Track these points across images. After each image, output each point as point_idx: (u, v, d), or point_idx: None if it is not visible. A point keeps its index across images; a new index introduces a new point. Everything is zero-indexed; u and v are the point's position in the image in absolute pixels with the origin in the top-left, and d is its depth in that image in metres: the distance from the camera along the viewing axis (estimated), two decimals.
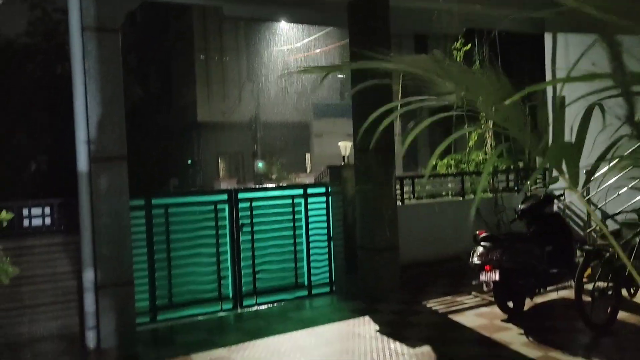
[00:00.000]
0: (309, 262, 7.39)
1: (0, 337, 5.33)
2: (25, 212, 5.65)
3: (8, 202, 5.51)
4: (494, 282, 5.63)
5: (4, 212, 1.78)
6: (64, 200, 5.78)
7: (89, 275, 5.46)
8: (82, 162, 5.38)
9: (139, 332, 5.83)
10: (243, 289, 6.91)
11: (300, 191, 7.49)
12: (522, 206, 6.48)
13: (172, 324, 6.25)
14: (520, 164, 10.10)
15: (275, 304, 6.94)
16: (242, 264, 6.91)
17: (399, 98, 7.78)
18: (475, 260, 5.78)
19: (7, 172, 5.84)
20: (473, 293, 6.82)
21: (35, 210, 5.71)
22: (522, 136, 1.79)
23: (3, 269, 1.81)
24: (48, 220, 5.76)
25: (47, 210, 5.75)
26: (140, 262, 6.16)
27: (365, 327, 5.82)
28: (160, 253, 6.38)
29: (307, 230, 7.40)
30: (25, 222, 5.62)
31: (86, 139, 5.38)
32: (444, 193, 8.75)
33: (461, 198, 8.60)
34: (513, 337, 5.26)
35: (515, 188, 9.12)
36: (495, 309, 6.02)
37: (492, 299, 6.17)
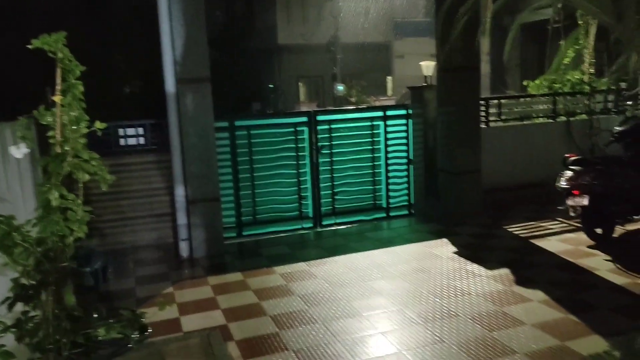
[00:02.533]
0: (387, 184, 7.42)
1: (105, 245, 5.91)
2: (121, 132, 6.05)
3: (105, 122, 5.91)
4: (582, 207, 5.38)
5: (97, 122, 1.93)
6: (155, 121, 6.12)
7: (180, 191, 5.84)
8: (170, 84, 5.61)
9: (227, 245, 6.24)
10: (322, 209, 7.11)
11: (380, 113, 7.40)
12: (619, 128, 6.03)
13: (256, 239, 6.61)
14: (623, 85, 9.27)
15: (353, 225, 7.10)
16: (321, 185, 7.07)
17: (488, 15, 7.27)
18: (563, 184, 5.52)
19: (102, 94, 6.21)
20: (558, 219, 6.59)
21: (130, 131, 6.10)
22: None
23: (102, 177, 1.99)
24: (142, 140, 6.15)
25: (141, 130, 6.12)
26: (226, 181, 6.48)
27: (443, 248, 5.85)
28: (244, 173, 6.66)
29: (387, 153, 7.37)
30: (122, 142, 6.03)
31: (172, 61, 5.57)
32: (534, 115, 8.27)
33: (552, 120, 8.11)
34: (599, 263, 5.08)
35: (615, 110, 8.43)
36: (581, 235, 5.80)
37: (579, 225, 5.94)
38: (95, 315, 3.01)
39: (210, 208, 5.92)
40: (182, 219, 5.89)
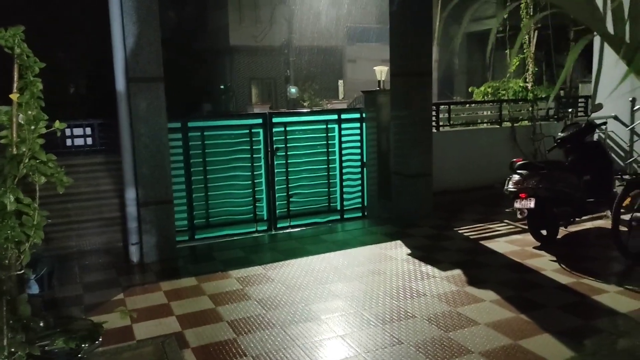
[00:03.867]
0: (341, 187, 7.47)
1: (51, 250, 5.64)
2: (67, 132, 5.80)
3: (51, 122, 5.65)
4: (529, 209, 5.60)
5: (57, 122, 1.83)
6: (104, 120, 5.90)
7: (130, 194, 5.66)
8: (120, 82, 5.42)
9: (179, 249, 6.10)
10: (277, 211, 7.08)
11: (335, 116, 7.44)
12: (561, 134, 6.32)
13: (210, 242, 6.50)
14: (562, 92, 9.76)
15: (308, 227, 7.10)
16: (276, 187, 7.03)
17: (439, 22, 7.47)
18: (511, 187, 5.73)
19: (47, 93, 5.95)
20: (505, 221, 6.83)
21: (77, 131, 5.86)
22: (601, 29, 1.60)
23: (59, 179, 1.89)
24: (90, 141, 5.92)
25: (89, 130, 5.89)
26: (179, 183, 6.33)
27: (397, 250, 5.94)
28: (197, 175, 6.53)
29: (341, 155, 7.42)
30: (68, 142, 5.79)
31: (124, 59, 5.39)
32: (479, 121, 8.56)
33: (498, 126, 8.41)
34: (545, 263, 5.30)
35: (555, 116, 8.85)
36: (527, 237, 6.04)
37: (525, 227, 6.18)
38: (42, 325, 2.86)
39: (163, 211, 5.76)
40: (132, 222, 5.70)
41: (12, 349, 1.74)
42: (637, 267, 5.20)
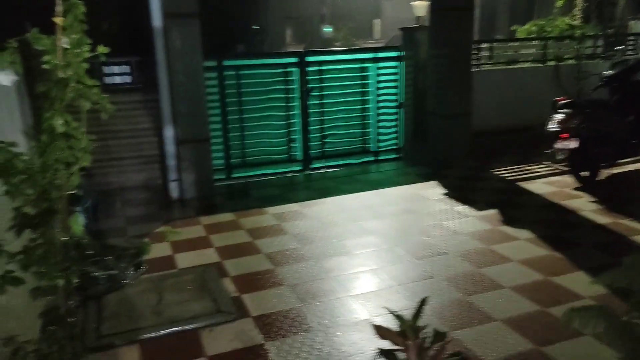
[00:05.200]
0: (377, 128, 7.41)
1: (94, 186, 5.85)
2: (105, 69, 5.88)
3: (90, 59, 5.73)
4: (570, 150, 5.46)
5: (100, 46, 1.85)
6: (141, 58, 5.94)
7: (168, 132, 5.77)
8: (157, 18, 5.42)
9: (217, 187, 6.24)
10: (311, 152, 7.11)
11: (371, 55, 7.29)
12: (607, 72, 6.05)
13: (246, 181, 6.62)
14: (610, 30, 9.24)
15: (342, 168, 7.13)
16: (310, 128, 7.03)
17: None
18: (552, 127, 5.58)
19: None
20: (545, 163, 6.69)
21: (115, 69, 5.92)
22: None
23: (104, 106, 1.94)
24: (128, 79, 5.98)
25: (126, 68, 5.95)
26: (215, 122, 6.40)
27: (432, 190, 5.93)
28: (233, 114, 6.58)
29: (377, 95, 7.32)
30: (107, 80, 5.86)
31: None
32: (524, 60, 8.22)
33: (541, 65, 8.08)
34: (583, 204, 5.22)
35: (603, 55, 8.43)
36: (567, 179, 5.92)
37: (565, 168, 6.05)
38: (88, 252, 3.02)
39: (200, 149, 5.87)
40: (171, 160, 5.84)
41: (67, 264, 1.86)
42: None
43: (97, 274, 3.91)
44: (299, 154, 7.05)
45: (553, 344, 2.96)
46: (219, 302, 3.55)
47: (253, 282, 3.88)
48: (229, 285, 3.82)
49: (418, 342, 1.88)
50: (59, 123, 1.73)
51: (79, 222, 1.88)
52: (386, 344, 1.93)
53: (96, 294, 3.70)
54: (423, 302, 1.98)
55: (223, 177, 6.63)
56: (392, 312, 2.00)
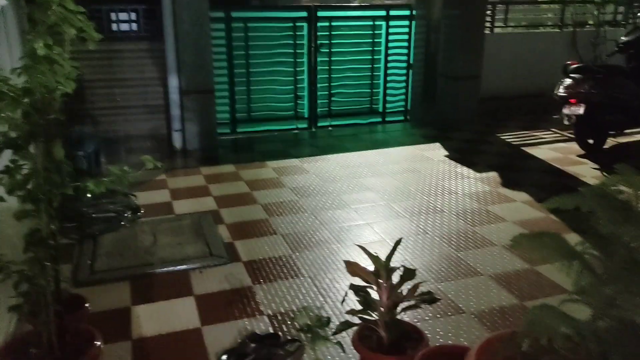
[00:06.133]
0: (385, 88, 7.32)
1: (98, 133, 5.90)
2: (113, 16, 5.84)
3: (97, 4, 5.69)
4: (577, 116, 5.37)
5: None
6: (148, 6, 5.88)
7: (173, 81, 5.76)
8: None
9: (221, 140, 6.26)
10: (318, 110, 7.06)
11: (383, 12, 7.14)
12: (625, 38, 5.88)
13: (250, 136, 6.62)
14: None
15: (348, 127, 7.09)
16: (318, 85, 6.97)
17: None
18: (561, 92, 5.47)
19: None
20: (552, 129, 6.60)
21: (123, 15, 5.88)
22: None
23: (90, 34, 1.94)
24: (135, 26, 5.94)
25: (134, 15, 5.90)
26: (221, 75, 6.37)
27: (435, 151, 5.89)
28: (240, 68, 6.53)
29: (387, 55, 7.21)
30: (114, 27, 5.83)
31: None
32: (538, 24, 8.01)
33: (558, 30, 7.87)
34: (586, 171, 5.16)
35: (624, 22, 8.17)
36: (573, 145, 5.84)
37: (571, 135, 5.96)
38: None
39: (204, 100, 5.86)
40: (175, 110, 5.85)
41: (48, 188, 1.89)
42: None
43: (94, 215, 4.00)
44: (305, 111, 7.02)
45: (537, 299, 2.98)
46: (211, 247, 3.61)
47: (247, 230, 3.93)
48: (224, 232, 3.87)
49: (389, 282, 1.90)
50: (40, 45, 1.73)
51: (60, 149, 1.89)
52: (358, 282, 1.96)
53: (93, 234, 3.79)
54: (397, 243, 1.99)
55: (228, 131, 6.63)
56: (365, 250, 2.01)
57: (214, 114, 6.02)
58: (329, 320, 2.37)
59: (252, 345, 2.50)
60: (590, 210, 1.45)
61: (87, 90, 5.68)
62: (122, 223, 3.95)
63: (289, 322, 2.74)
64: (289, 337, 2.54)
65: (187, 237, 3.77)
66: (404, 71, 7.38)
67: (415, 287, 1.93)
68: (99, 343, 2.05)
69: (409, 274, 1.93)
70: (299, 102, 6.96)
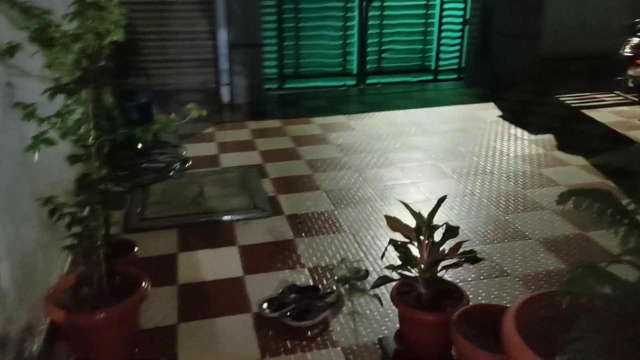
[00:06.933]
0: (439, 45, 7.07)
1: (151, 86, 6.00)
2: None
3: None
4: None
5: None
6: None
7: (222, 35, 5.76)
8: None
9: (268, 95, 6.26)
10: (367, 67, 6.92)
11: None
12: None
13: (298, 92, 6.58)
14: None
15: (398, 85, 6.93)
16: (368, 41, 6.80)
17: None
18: (627, 51, 5.13)
19: None
20: (616, 92, 6.22)
21: None
22: None
23: None
24: None
25: None
26: (270, 29, 6.31)
27: (488, 112, 5.69)
28: (289, 22, 6.44)
29: (442, 10, 6.93)
30: None
31: None
32: None
33: None
34: None
35: None
36: (636, 109, 5.51)
37: (636, 98, 5.61)
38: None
39: (253, 54, 5.84)
40: (224, 63, 5.87)
41: (99, 133, 1.94)
42: None
43: (145, 165, 4.12)
44: (354, 67, 6.89)
45: None
46: (255, 200, 3.65)
47: (290, 184, 3.95)
48: (268, 186, 3.91)
49: (431, 239, 1.87)
50: None
51: (109, 96, 1.92)
52: (399, 237, 1.94)
53: (143, 183, 3.90)
54: (441, 200, 1.94)
55: (275, 86, 6.61)
56: (407, 207, 1.98)
57: (262, 69, 6.00)
58: (367, 272, 2.36)
59: (292, 295, 2.55)
60: None
61: (139, 42, 5.75)
62: (171, 174, 4.05)
63: (328, 276, 2.77)
64: (328, 290, 2.56)
65: (233, 189, 3.83)
66: (459, 27, 7.09)
67: (458, 245, 1.88)
68: (146, 285, 2.13)
69: (451, 231, 1.89)
70: (348, 58, 6.83)
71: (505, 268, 2.86)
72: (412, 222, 1.98)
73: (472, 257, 1.86)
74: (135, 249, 2.56)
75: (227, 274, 2.82)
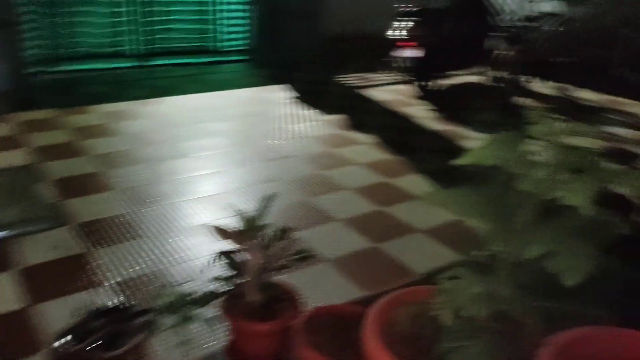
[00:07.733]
0: (220, 25, 6.86)
1: None
2: None
3: None
4: (415, 58, 5.58)
5: None
6: None
7: None
8: None
9: (34, 80, 5.36)
10: (149, 46, 6.39)
11: None
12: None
13: (70, 76, 5.78)
14: None
15: (181, 67, 6.57)
16: (147, 19, 6.26)
17: None
18: (397, 34, 5.63)
19: None
20: (393, 71, 6.79)
21: None
22: None
23: None
24: None
25: None
26: (30, 3, 5.36)
27: (278, 94, 5.74)
28: None
29: None
30: None
31: None
32: None
33: None
34: (424, 113, 5.45)
35: None
36: (410, 87, 6.10)
37: (410, 77, 6.15)
38: None
39: (6, 34, 4.89)
40: None
41: None
42: None
43: None
44: (132, 47, 6.30)
45: (389, 240, 3.06)
46: (33, 209, 3.06)
47: (77, 186, 3.41)
48: (48, 190, 3.32)
49: (260, 241, 1.73)
50: None
51: None
52: (227, 246, 1.75)
53: None
54: (268, 200, 1.81)
55: (43, 69, 5.68)
56: (235, 211, 1.80)
57: (21, 51, 5.08)
58: (191, 295, 2.12)
59: (97, 321, 2.18)
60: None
61: None
62: None
63: (136, 291, 2.44)
64: (138, 309, 2.25)
65: (3, 198, 3.15)
66: (244, 7, 6.97)
67: (289, 245, 1.77)
68: None
69: (284, 233, 1.77)
70: (124, 37, 6.20)
71: (319, 252, 2.88)
72: (220, 222, 1.81)
73: (304, 256, 1.78)
74: None
75: (3, 308, 2.29)
